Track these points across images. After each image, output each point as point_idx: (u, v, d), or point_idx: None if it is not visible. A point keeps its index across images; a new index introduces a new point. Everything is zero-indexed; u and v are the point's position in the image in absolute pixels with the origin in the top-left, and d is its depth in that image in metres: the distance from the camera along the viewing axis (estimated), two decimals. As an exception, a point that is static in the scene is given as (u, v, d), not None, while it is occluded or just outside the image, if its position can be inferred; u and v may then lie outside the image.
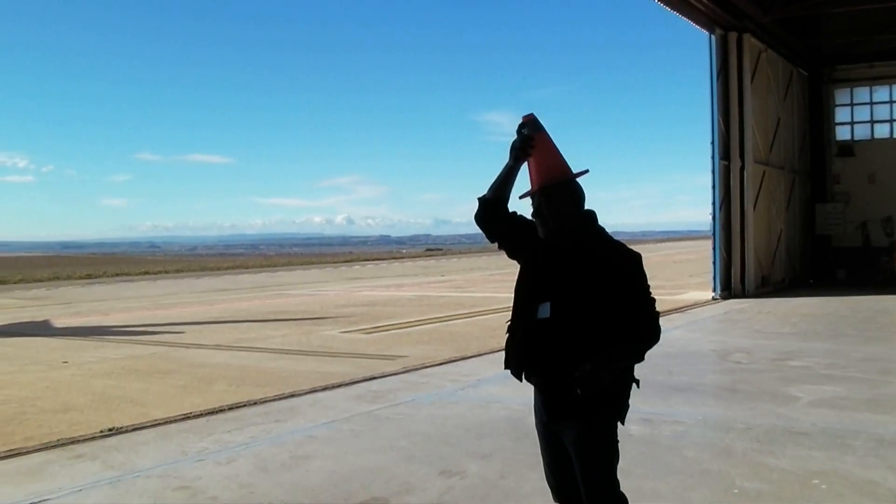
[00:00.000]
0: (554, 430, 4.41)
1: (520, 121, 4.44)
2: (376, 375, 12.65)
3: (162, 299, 33.38)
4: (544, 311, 4.29)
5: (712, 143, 25.55)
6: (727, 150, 25.90)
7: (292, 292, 35.52)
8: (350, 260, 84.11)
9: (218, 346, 17.38)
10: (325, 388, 11.75)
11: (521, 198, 4.47)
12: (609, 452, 4.32)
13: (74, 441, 9.07)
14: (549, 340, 4.27)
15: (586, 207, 4.42)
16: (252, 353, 16.24)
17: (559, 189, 4.33)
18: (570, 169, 4.40)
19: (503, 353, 4.53)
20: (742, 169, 26.06)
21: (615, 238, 4.43)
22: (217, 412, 10.33)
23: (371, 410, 10.27)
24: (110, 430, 9.49)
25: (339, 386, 11.92)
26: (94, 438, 9.19)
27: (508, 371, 4.51)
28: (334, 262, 77.42)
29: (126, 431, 9.47)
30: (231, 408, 10.56)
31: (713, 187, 25.57)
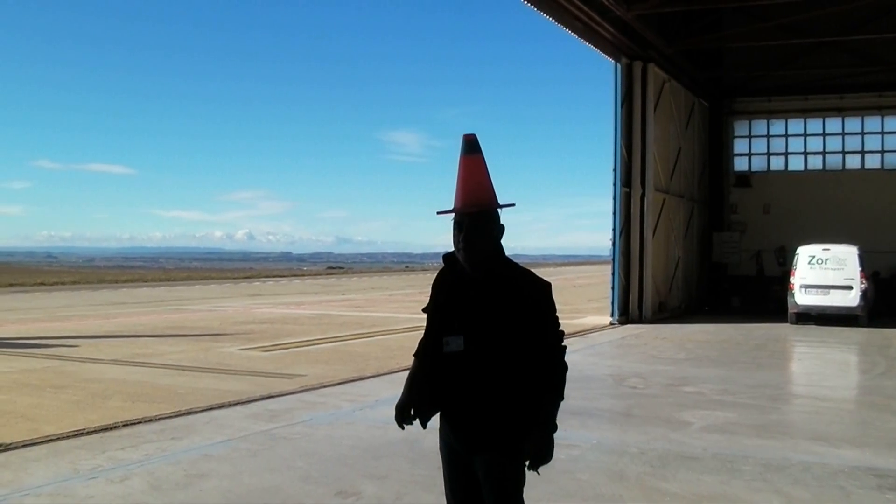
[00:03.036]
0: (462, 456, 4.47)
1: (461, 141, 4.42)
2: (274, 394, 12.59)
3: (58, 311, 32.62)
4: (457, 343, 4.34)
5: (614, 169, 26.01)
6: (629, 178, 26.40)
7: (191, 307, 35.03)
8: (250, 276, 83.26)
9: (114, 361, 17.06)
10: (221, 406, 11.65)
11: (438, 213, 4.45)
12: (520, 480, 4.39)
13: (-40, 458, 8.83)
14: (463, 373, 4.33)
15: None
16: (149, 369, 15.97)
17: (482, 217, 4.34)
18: (496, 198, 4.41)
19: (404, 375, 4.57)
20: (643, 196, 26.60)
21: (518, 263, 4.50)
22: (111, 429, 10.16)
23: (268, 429, 10.22)
24: (-1, 446, 9.27)
25: (237, 404, 11.82)
26: (-21, 456, 8.96)
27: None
28: (234, 278, 76.54)
29: (15, 448, 9.23)
30: (126, 424, 10.39)
31: (614, 213, 26.01)
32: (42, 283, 61.32)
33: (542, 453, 4.24)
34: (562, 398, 4.35)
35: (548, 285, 4.39)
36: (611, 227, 26.27)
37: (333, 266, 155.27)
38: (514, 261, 4.48)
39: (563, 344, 4.39)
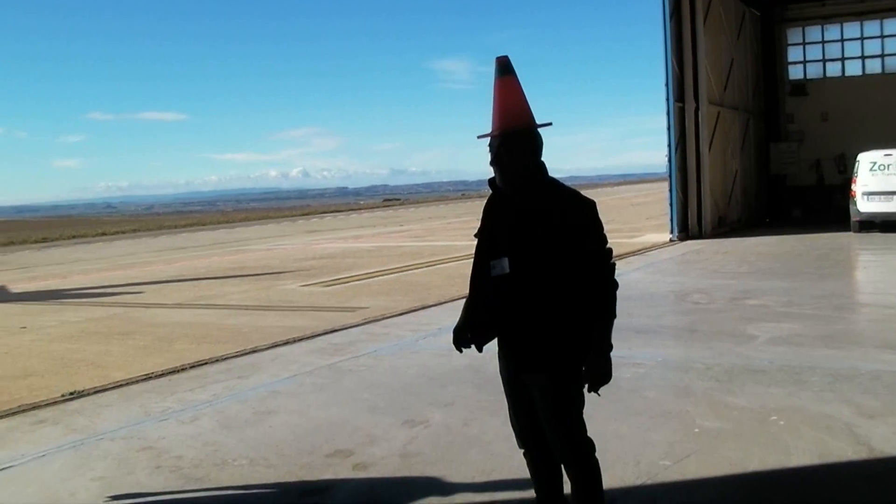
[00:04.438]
0: (520, 379, 4.45)
1: (494, 64, 4.40)
2: (337, 328, 12.65)
3: (120, 259, 33.12)
4: (502, 266, 4.31)
5: (666, 85, 25.52)
6: (681, 92, 25.92)
7: (251, 248, 35.34)
8: (308, 213, 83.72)
9: (178, 305, 17.28)
10: (286, 343, 11.74)
11: (479, 137, 4.42)
12: (576, 400, 4.37)
13: (36, 406, 9.00)
14: (510, 295, 4.29)
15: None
16: (213, 311, 16.16)
17: (520, 137, 4.30)
18: (533, 117, 4.37)
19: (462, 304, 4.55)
20: (696, 110, 26.13)
21: (570, 185, 4.43)
22: (179, 371, 10.29)
23: (333, 363, 10.27)
24: (72, 393, 9.42)
25: (301, 340, 11.91)
26: (55, 403, 9.13)
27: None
28: (292, 216, 77.09)
29: (88, 394, 9.41)
30: (193, 366, 10.52)
31: (668, 129, 25.58)
32: (103, 234, 62.20)
33: (599, 374, 4.25)
34: (614, 316, 4.32)
35: (593, 203, 4.31)
36: (665, 143, 25.88)
37: (389, 198, 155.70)
38: (560, 181, 4.43)
39: (612, 262, 4.33)
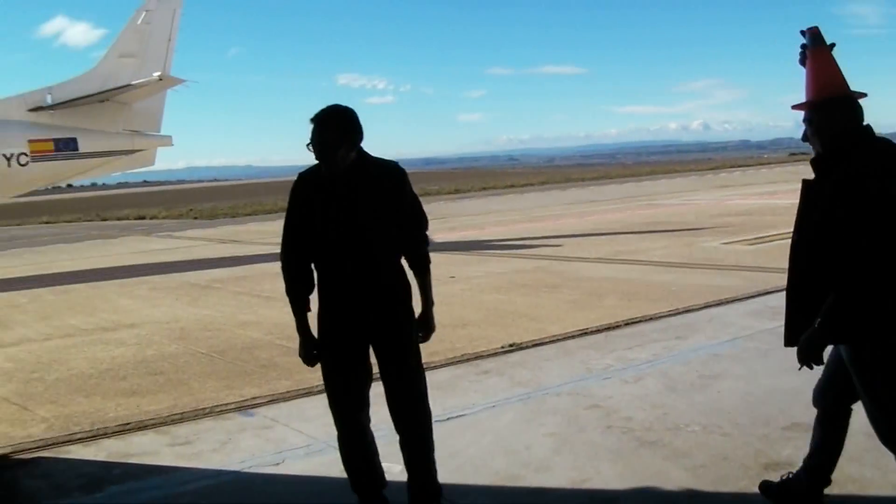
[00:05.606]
0: None
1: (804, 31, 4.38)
2: (770, 290, 12.06)
3: (532, 212, 34.01)
4: None
5: None
6: None
7: (662, 202, 35.05)
8: (714, 167, 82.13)
9: (599, 259, 17.37)
10: (719, 303, 11.42)
11: (793, 108, 4.39)
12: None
13: (479, 356, 9.31)
14: None
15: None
16: (635, 266, 16.08)
17: (833, 104, 4.21)
18: (846, 85, 4.24)
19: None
20: None
21: None
22: (614, 328, 10.30)
23: (773, 328, 9.78)
24: (511, 345, 9.67)
25: (733, 301, 11.54)
26: (496, 354, 9.41)
27: None
28: (699, 170, 75.90)
29: (526, 347, 9.63)
30: (627, 323, 10.50)
31: None
32: (512, 186, 64.45)
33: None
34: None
35: None
36: None
37: (796, 152, 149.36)
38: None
39: None
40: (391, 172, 4.89)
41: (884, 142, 4.19)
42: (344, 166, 4.70)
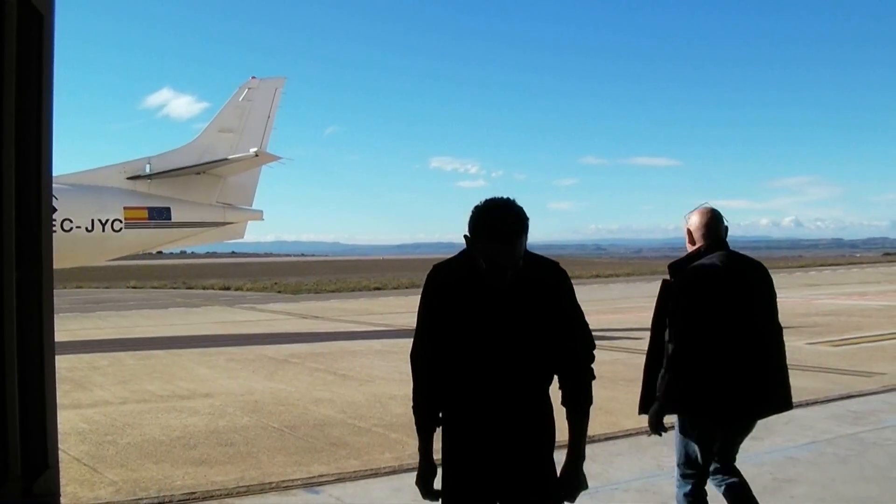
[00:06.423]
0: None
1: None
2: (853, 393, 11.85)
3: (616, 303, 33.72)
4: None
5: None
6: None
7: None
8: (804, 265, 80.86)
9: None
10: (798, 405, 11.11)
11: None
12: None
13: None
14: None
15: None
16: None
17: None
18: None
19: None
20: None
21: None
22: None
23: (854, 433, 9.59)
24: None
25: (814, 403, 11.31)
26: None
27: None
28: (787, 268, 74.73)
29: (598, 440, 9.49)
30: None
31: None
32: (597, 276, 64.11)
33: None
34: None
35: None
36: None
37: (890, 252, 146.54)
38: None
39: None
40: (553, 270, 3.95)
41: None
42: (520, 258, 3.71)
